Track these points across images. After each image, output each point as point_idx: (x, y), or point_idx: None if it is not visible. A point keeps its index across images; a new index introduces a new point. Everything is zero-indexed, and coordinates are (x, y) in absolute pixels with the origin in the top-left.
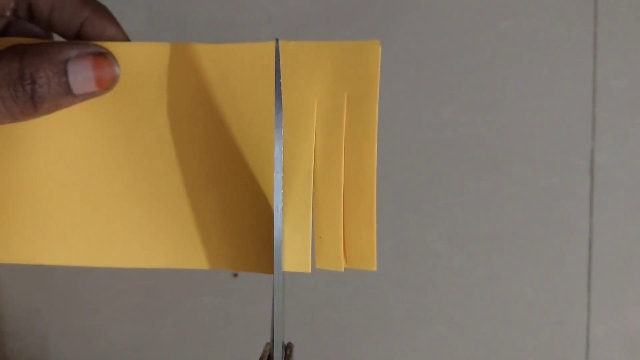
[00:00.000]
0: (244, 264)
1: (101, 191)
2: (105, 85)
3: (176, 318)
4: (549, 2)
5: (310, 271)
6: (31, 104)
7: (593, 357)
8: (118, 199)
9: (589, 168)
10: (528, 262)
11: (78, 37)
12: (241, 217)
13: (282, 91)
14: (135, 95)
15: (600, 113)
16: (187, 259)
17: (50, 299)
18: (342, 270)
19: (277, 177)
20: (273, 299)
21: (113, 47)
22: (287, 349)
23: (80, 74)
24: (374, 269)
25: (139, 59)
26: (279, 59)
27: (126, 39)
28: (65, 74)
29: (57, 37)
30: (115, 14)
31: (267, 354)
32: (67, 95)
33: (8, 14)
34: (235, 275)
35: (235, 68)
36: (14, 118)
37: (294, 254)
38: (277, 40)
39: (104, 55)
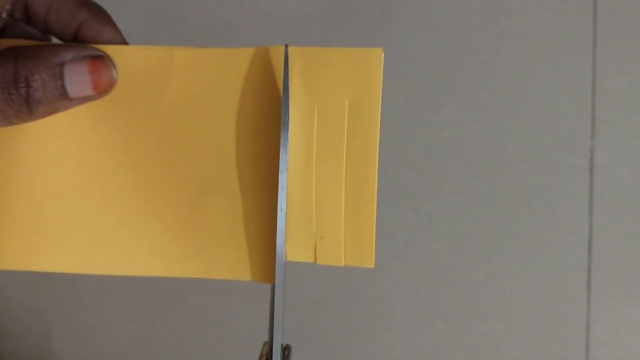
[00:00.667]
0: (243, 273)
1: (96, 197)
2: (102, 89)
3: (176, 318)
4: (548, 1)
5: (315, 261)
6: (26, 107)
7: (593, 356)
8: (113, 205)
9: (589, 167)
10: (528, 261)
11: (75, 39)
12: (240, 224)
13: (279, 96)
14: (133, 99)
15: (600, 112)
16: (184, 268)
17: (50, 299)
18: (342, 265)
19: (282, 177)
20: (271, 299)
21: (111, 50)
22: (286, 350)
23: (77, 77)
24: (372, 266)
25: (138, 63)
26: (287, 64)
27: (124, 42)
28: (61, 77)
29: (55, 40)
30: (114, 14)
31: (265, 357)
32: (62, 99)
33: (4, 15)
34: None
35: (235, 72)
36: (9, 122)
37: (298, 245)
38: (286, 46)
39: (101, 59)
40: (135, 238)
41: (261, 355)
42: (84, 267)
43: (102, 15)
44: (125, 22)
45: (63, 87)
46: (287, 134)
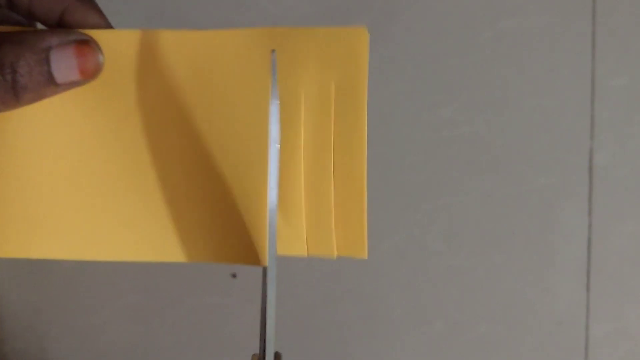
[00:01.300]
0: (236, 256)
1: (88, 183)
2: (89, 74)
3: (175, 318)
4: (547, 1)
5: (307, 254)
6: (12, 93)
7: (592, 357)
8: (105, 191)
9: (588, 167)
10: (527, 261)
11: (60, 24)
12: (231, 209)
13: (264, 79)
14: (121, 83)
15: (599, 112)
16: (180, 252)
17: (49, 298)
18: (335, 257)
19: (273, 148)
20: (262, 304)
21: (96, 34)
22: (276, 358)
23: (63, 63)
24: (365, 256)
25: (124, 46)
26: (275, 71)
27: (109, 26)
28: (48, 62)
29: (39, 26)
30: (114, 14)
31: None
32: (49, 85)
33: None
34: (234, 275)
35: (224, 53)
36: None
37: (289, 238)
38: (273, 51)
39: (87, 43)
40: (128, 223)
41: None
42: (80, 254)
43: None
44: (125, 21)
45: (49, 72)
46: (277, 103)
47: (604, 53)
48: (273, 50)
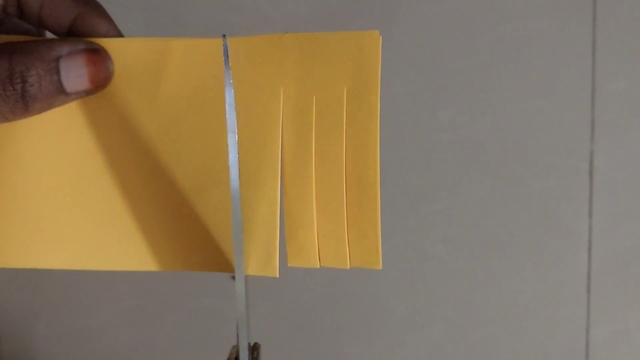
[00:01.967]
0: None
1: (94, 193)
2: (99, 82)
3: (174, 320)
4: (547, 4)
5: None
6: (22, 103)
7: (593, 359)
8: (110, 200)
9: (588, 170)
10: (527, 264)
11: (69, 33)
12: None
13: (276, 85)
14: (130, 92)
15: (599, 115)
16: (183, 263)
17: (48, 301)
18: (348, 267)
19: (231, 137)
20: (236, 297)
21: (106, 43)
22: (254, 350)
23: (73, 72)
24: (379, 267)
25: (134, 55)
26: (227, 58)
27: (119, 34)
28: (57, 71)
29: (49, 35)
30: (114, 16)
31: (234, 356)
32: (59, 94)
33: None
34: (234, 278)
35: (233, 61)
36: (4, 118)
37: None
38: (224, 36)
39: (97, 52)
40: (134, 233)
41: (230, 355)
42: (82, 264)
43: (96, 8)
44: (125, 24)
45: (59, 81)
46: (232, 91)
47: (604, 57)
48: (224, 35)
